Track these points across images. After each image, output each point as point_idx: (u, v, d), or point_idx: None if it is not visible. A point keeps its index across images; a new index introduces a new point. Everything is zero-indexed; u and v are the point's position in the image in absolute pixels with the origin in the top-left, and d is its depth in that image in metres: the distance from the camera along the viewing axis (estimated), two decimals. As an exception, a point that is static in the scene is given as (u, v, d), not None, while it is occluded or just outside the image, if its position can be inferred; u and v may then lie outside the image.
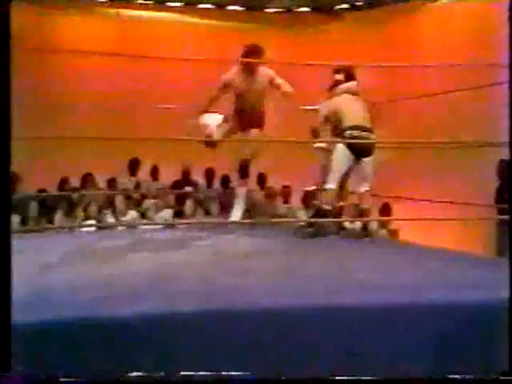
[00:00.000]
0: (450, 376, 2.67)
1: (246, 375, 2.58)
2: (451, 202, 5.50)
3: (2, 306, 2.22)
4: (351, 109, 5.33)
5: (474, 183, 7.55)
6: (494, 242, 6.48)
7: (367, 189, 5.31)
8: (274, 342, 2.70)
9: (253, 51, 5.51)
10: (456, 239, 7.00)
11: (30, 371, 2.37)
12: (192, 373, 2.53)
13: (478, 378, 2.64)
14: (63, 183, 8.12)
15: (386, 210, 8.18)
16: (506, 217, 3.28)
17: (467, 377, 2.65)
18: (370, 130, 5.26)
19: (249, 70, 5.55)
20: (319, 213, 5.23)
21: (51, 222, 7.39)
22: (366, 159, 5.24)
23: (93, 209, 7.64)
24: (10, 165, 2.31)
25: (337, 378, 2.63)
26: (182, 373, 2.54)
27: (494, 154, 6.45)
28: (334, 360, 2.73)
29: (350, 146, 5.15)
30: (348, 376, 2.63)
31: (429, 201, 6.14)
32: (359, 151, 5.21)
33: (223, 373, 2.57)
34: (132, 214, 8.06)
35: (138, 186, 8.52)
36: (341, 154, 5.20)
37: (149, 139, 7.81)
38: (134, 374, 2.51)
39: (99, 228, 7.06)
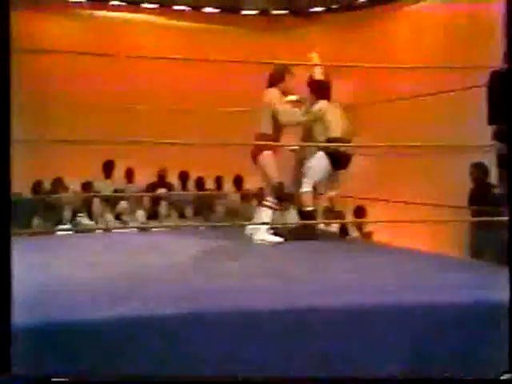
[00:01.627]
0: (450, 376, 2.69)
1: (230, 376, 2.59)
2: (425, 204, 5.54)
3: (2, 307, 2.20)
4: (335, 118, 5.33)
5: (448, 186, 7.60)
6: (467, 244, 6.53)
7: (336, 193, 5.41)
8: (255, 343, 2.70)
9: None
10: (429, 241, 7.06)
11: (29, 371, 2.36)
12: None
13: (478, 378, 2.66)
14: (37, 186, 8.04)
15: (360, 212, 8.22)
16: (505, 218, 3.31)
17: (467, 377, 2.67)
18: (350, 142, 5.29)
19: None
20: (303, 214, 5.24)
21: (29, 225, 7.31)
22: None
23: (68, 212, 7.59)
24: (10, 167, 2.29)
25: (336, 378, 2.65)
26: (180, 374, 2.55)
27: (468, 158, 6.54)
28: (315, 361, 2.74)
29: (332, 159, 5.19)
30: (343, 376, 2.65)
31: (402, 202, 6.17)
32: (339, 165, 5.27)
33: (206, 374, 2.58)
34: (108, 217, 8.03)
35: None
36: (322, 162, 5.23)
37: (125, 142, 7.75)
38: (130, 373, 2.52)
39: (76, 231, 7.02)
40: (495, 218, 3.97)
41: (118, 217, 8.19)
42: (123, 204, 8.25)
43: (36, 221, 7.40)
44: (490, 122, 4.15)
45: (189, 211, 8.50)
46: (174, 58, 7.77)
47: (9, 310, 2.22)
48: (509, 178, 3.13)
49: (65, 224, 7.52)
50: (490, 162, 5.30)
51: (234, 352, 2.67)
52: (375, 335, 2.81)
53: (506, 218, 3.44)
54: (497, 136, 4.08)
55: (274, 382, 2.66)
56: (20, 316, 2.32)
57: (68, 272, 3.66)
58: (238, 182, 8.99)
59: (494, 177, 5.93)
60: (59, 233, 6.75)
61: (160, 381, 2.58)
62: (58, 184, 8.14)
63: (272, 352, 2.70)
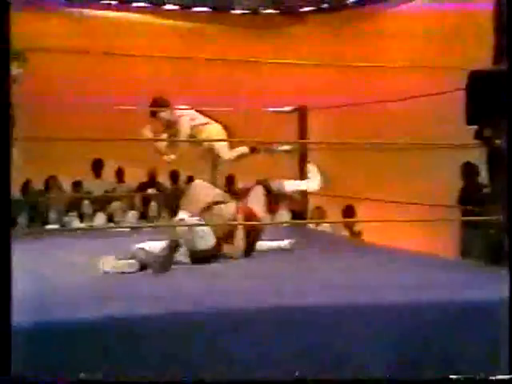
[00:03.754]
0: (450, 376, 2.68)
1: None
2: (414, 204, 5.52)
3: (2, 307, 2.18)
4: None
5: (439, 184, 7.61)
6: (458, 243, 6.54)
7: None
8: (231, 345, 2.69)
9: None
10: (421, 241, 7.06)
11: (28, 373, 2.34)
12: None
13: (478, 378, 2.66)
14: (26, 186, 7.98)
15: (349, 211, 8.22)
16: (494, 217, 3.31)
17: (467, 377, 2.66)
18: None
19: None
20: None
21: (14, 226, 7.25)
22: None
23: (56, 213, 7.54)
24: (11, 166, 2.28)
25: (335, 378, 2.64)
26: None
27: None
28: (298, 361, 2.72)
29: None
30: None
31: (392, 202, 6.15)
32: None
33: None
34: (100, 217, 7.99)
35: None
36: None
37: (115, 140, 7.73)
38: (130, 374, 2.49)
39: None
40: (488, 218, 3.94)
41: (110, 217, 8.15)
42: (115, 204, 8.21)
43: (21, 221, 7.32)
44: (469, 122, 4.11)
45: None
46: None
47: (9, 311, 2.19)
48: (509, 177, 3.12)
49: (51, 224, 7.46)
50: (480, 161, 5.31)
51: (218, 352, 2.66)
52: (360, 335, 2.80)
53: (497, 217, 3.45)
54: (479, 136, 4.05)
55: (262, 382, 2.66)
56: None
57: (58, 273, 3.61)
58: (229, 181, 8.97)
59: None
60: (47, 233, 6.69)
61: (163, 381, 2.57)
62: (52, 182, 8.08)
63: (256, 352, 2.69)
